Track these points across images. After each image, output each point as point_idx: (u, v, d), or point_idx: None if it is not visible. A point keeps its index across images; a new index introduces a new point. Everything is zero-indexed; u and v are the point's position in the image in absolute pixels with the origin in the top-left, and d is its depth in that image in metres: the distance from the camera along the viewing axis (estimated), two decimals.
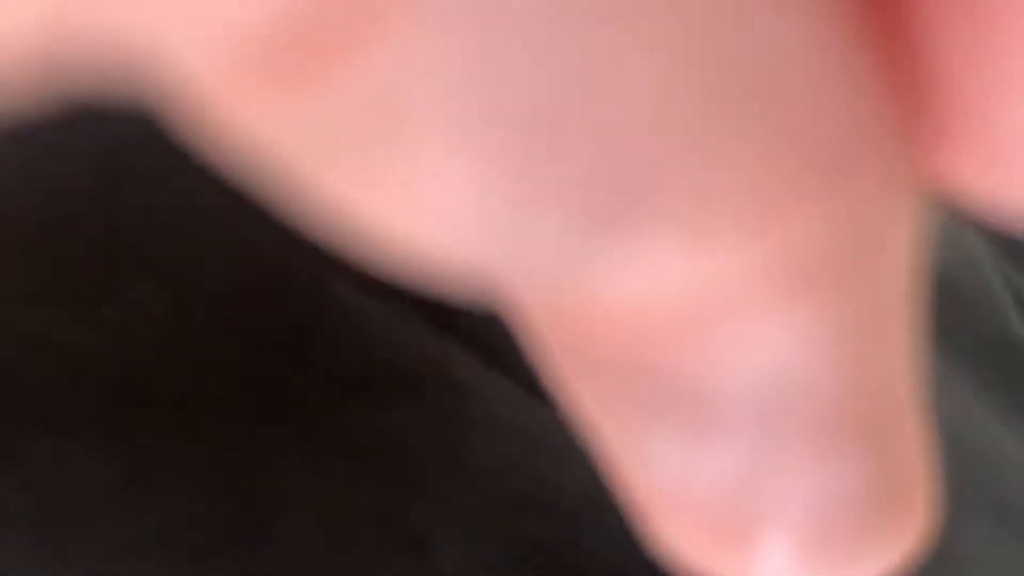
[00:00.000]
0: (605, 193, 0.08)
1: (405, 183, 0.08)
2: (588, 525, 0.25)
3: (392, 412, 0.24)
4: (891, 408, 0.09)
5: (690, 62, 0.07)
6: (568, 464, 0.25)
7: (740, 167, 0.08)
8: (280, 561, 0.23)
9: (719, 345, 0.08)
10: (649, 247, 0.08)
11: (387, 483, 0.24)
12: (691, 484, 0.09)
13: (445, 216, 0.08)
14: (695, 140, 0.08)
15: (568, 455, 0.25)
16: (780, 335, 0.08)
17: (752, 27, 0.07)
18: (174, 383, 0.23)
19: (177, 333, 0.23)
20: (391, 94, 0.07)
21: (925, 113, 0.08)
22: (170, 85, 0.08)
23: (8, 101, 0.08)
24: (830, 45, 0.08)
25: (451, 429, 0.25)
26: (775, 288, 0.08)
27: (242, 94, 0.07)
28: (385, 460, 0.24)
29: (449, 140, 0.07)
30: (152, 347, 0.23)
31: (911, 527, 0.09)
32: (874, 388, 0.09)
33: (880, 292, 0.08)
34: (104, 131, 0.23)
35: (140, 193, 0.24)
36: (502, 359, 0.26)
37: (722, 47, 0.07)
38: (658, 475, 0.09)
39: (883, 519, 0.09)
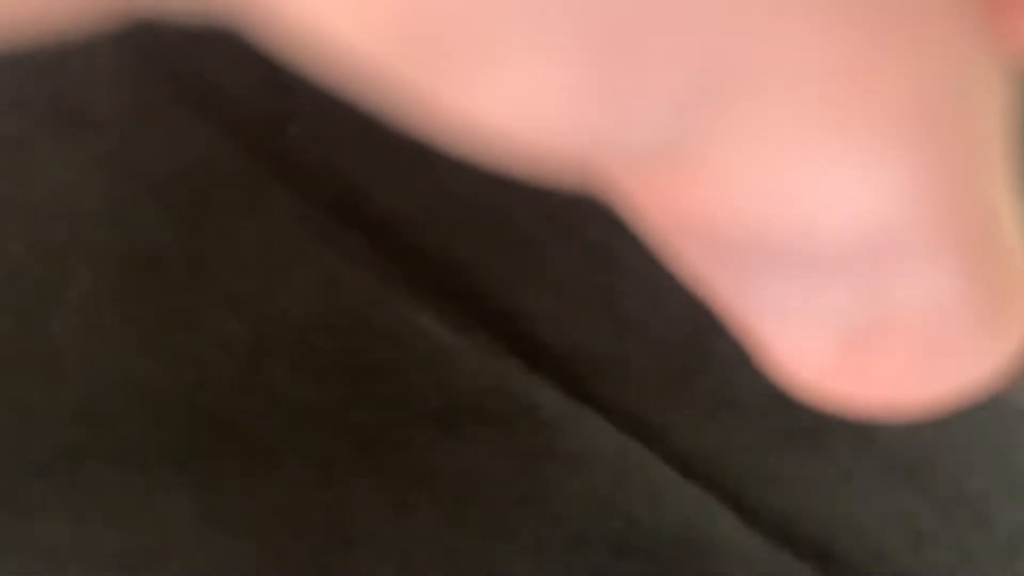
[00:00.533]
0: (699, 72, 0.08)
1: (504, 83, 0.08)
2: (682, 567, 0.24)
3: (479, 450, 0.24)
4: (989, 230, 0.10)
5: None
6: (662, 503, 0.24)
7: (826, 38, 0.08)
8: None
9: (819, 193, 0.09)
10: (743, 118, 0.08)
11: (473, 523, 0.23)
12: (808, 319, 0.10)
13: (543, 108, 0.08)
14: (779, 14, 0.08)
15: (662, 494, 0.25)
16: (879, 176, 0.09)
17: None
18: (255, 419, 0.23)
19: (257, 368, 0.23)
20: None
21: None
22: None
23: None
24: None
25: (539, 467, 0.24)
26: (869, 137, 0.09)
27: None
28: (471, 500, 0.23)
29: (544, 31, 0.08)
30: (232, 382, 0.23)
31: (1014, 330, 0.10)
32: (970, 214, 0.09)
33: (970, 135, 0.09)
34: (180, 163, 0.23)
35: (221, 226, 0.23)
36: (591, 394, 0.25)
37: None
38: (777, 317, 0.10)
39: (986, 324, 0.10)
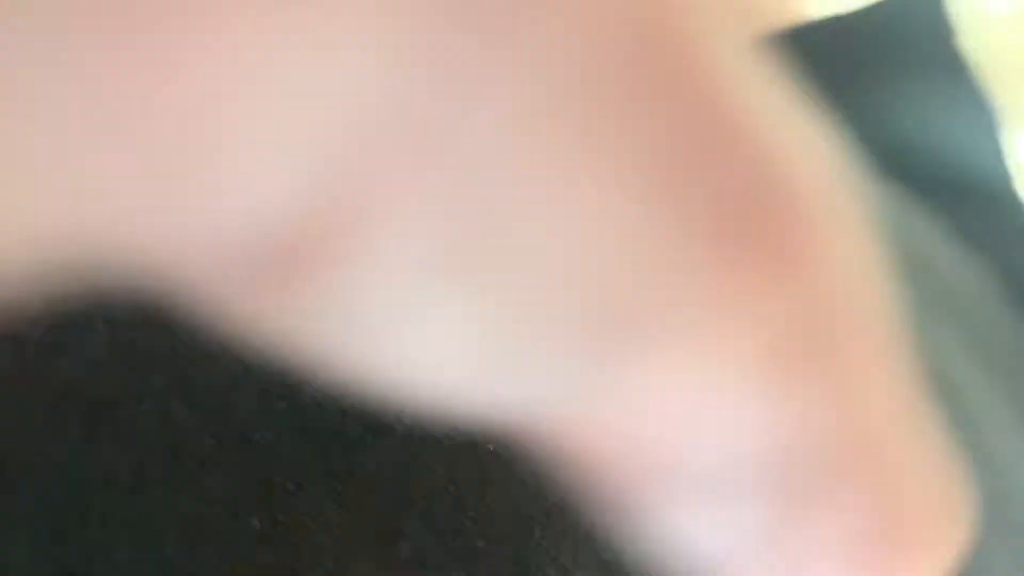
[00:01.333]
0: (590, 330, 0.09)
1: (405, 351, 0.09)
2: None
3: None
4: (889, 448, 0.10)
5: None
6: None
7: (694, 293, 0.09)
8: None
9: (711, 430, 0.09)
10: (639, 368, 0.09)
11: None
12: (726, 545, 0.10)
13: (454, 373, 0.09)
14: (655, 277, 0.09)
15: None
16: (764, 412, 0.09)
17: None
18: None
19: None
20: (381, 277, 0.08)
21: None
22: (180, 289, 0.09)
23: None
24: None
25: None
26: (754, 375, 0.09)
27: (247, 294, 0.08)
28: None
29: (439, 311, 0.09)
30: None
31: (935, 547, 0.10)
32: (866, 436, 0.10)
33: (854, 360, 0.10)
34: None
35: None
36: None
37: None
38: (702, 548, 0.10)
39: (901, 547, 0.10)
